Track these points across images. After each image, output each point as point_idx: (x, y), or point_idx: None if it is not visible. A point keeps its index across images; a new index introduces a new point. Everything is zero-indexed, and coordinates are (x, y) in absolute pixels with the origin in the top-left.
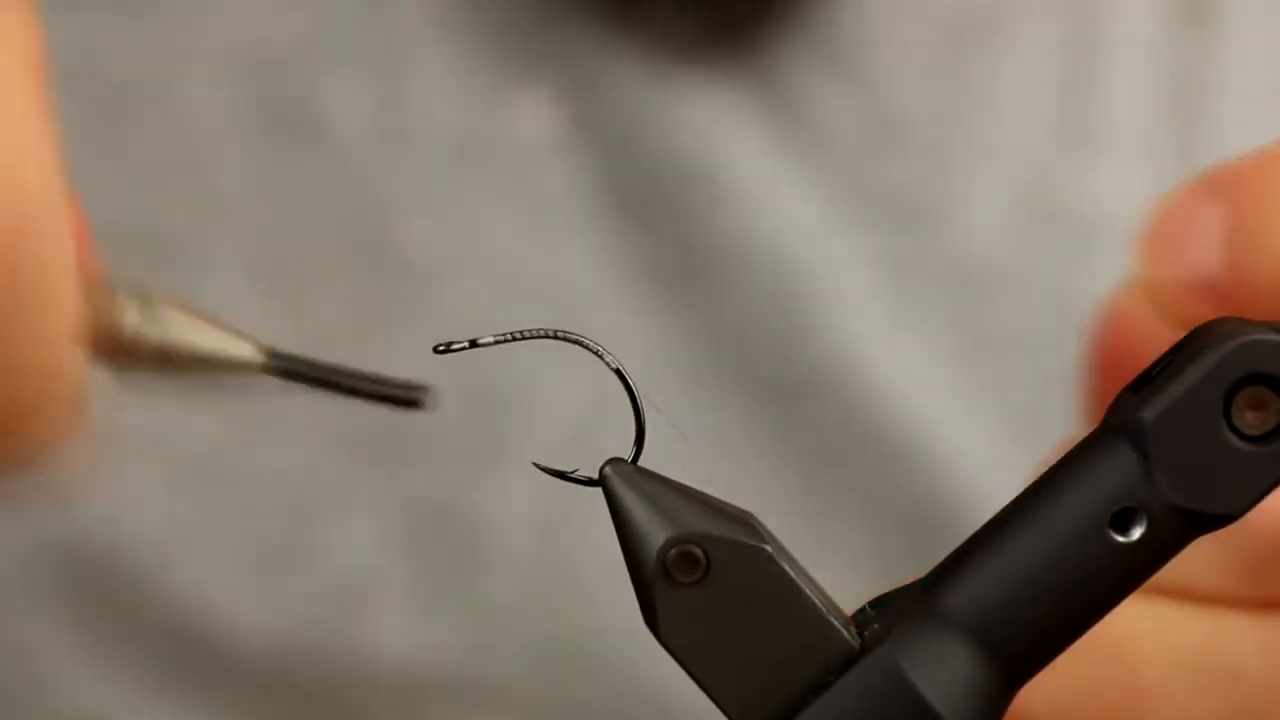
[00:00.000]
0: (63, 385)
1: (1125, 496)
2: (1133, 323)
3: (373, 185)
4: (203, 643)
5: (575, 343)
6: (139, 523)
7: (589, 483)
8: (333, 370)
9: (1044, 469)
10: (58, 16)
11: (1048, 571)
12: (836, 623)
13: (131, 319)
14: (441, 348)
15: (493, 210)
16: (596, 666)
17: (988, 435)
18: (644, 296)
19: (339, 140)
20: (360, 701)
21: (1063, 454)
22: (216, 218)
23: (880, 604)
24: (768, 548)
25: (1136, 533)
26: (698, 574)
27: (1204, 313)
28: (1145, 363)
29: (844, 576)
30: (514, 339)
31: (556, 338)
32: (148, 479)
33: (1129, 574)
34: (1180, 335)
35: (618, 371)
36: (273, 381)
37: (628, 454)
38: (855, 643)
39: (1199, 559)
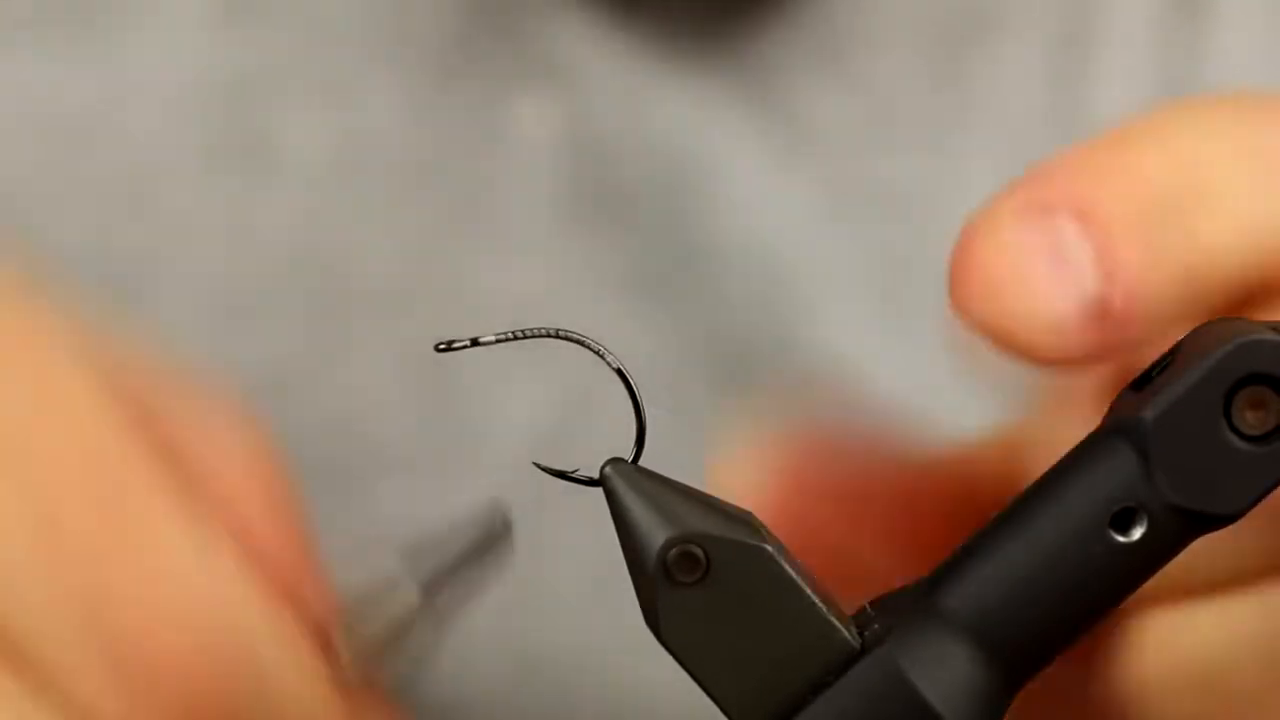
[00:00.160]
0: None
1: (1125, 496)
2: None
3: (328, 211)
4: None
5: (577, 342)
6: None
7: (589, 483)
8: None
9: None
10: (10, 51)
11: (1048, 571)
12: (837, 622)
13: (348, 654)
14: (443, 346)
15: (455, 229)
16: (579, 678)
17: (975, 424)
18: (630, 295)
19: (293, 168)
20: None
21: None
22: (172, 249)
23: (881, 604)
24: (768, 547)
25: (1137, 533)
26: (698, 574)
27: (1088, 348)
28: None
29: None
30: (515, 338)
31: (558, 337)
32: None
33: (1129, 574)
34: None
35: (619, 371)
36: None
37: (628, 454)
38: (855, 642)
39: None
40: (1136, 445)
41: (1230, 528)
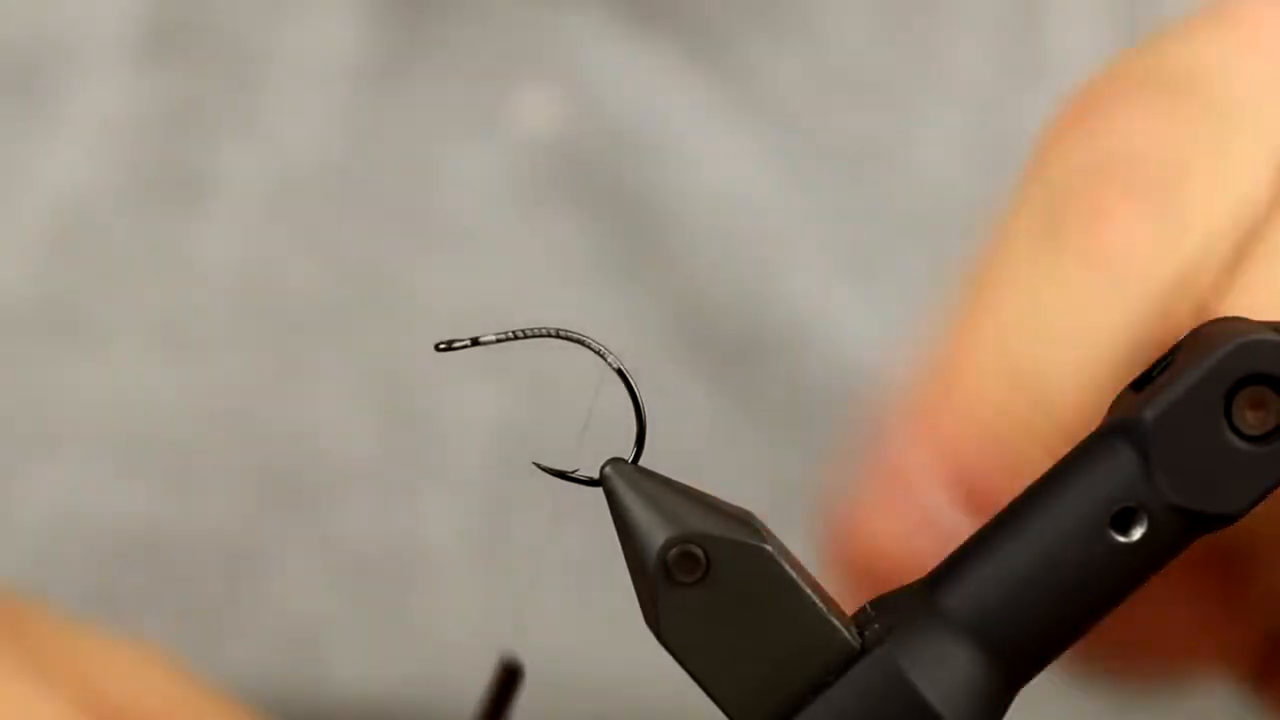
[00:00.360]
0: None
1: (1125, 496)
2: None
3: (268, 234)
4: None
5: (577, 341)
6: (56, 605)
7: (590, 483)
8: None
9: None
10: None
11: (1048, 571)
12: (837, 622)
13: None
14: (443, 346)
15: (402, 235)
16: (550, 678)
17: None
18: (595, 273)
19: (228, 196)
20: None
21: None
22: (113, 286)
23: (881, 603)
24: (768, 547)
25: (1137, 533)
26: (698, 574)
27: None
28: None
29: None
30: (515, 338)
31: (558, 336)
32: (80, 557)
33: (1129, 574)
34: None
35: (619, 371)
36: None
37: (628, 454)
38: (855, 642)
39: None
40: (1136, 445)
41: None
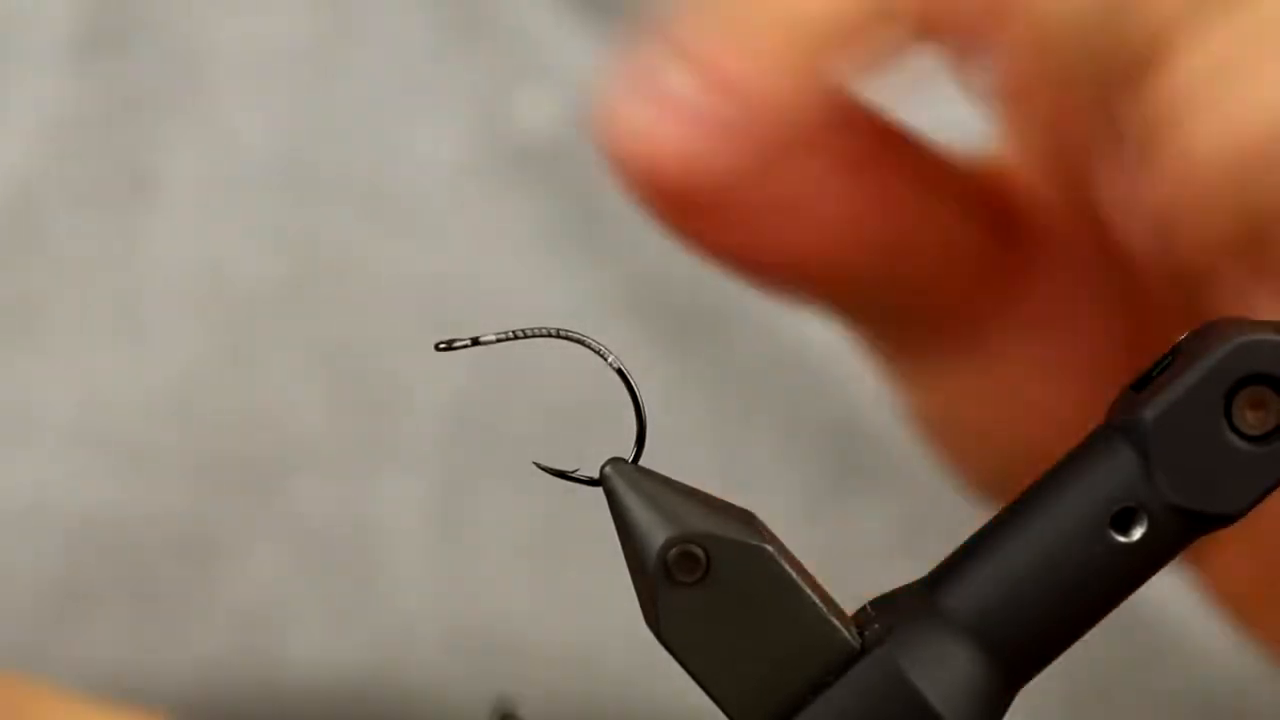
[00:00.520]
0: None
1: (1125, 496)
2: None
3: (213, 225)
4: (126, 698)
5: (577, 341)
6: (17, 595)
7: (589, 482)
8: None
9: None
10: None
11: (1048, 572)
12: (837, 622)
13: None
14: (443, 345)
15: (352, 221)
16: (512, 653)
17: None
18: (546, 242)
19: (174, 186)
20: None
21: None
22: (59, 284)
23: (881, 603)
24: (769, 547)
25: (1137, 533)
26: (698, 573)
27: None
28: None
29: (769, 501)
30: (515, 338)
31: (558, 336)
32: (37, 546)
33: (1129, 574)
34: None
35: (619, 371)
36: None
37: (628, 453)
38: (856, 642)
39: None
40: (1136, 445)
41: None
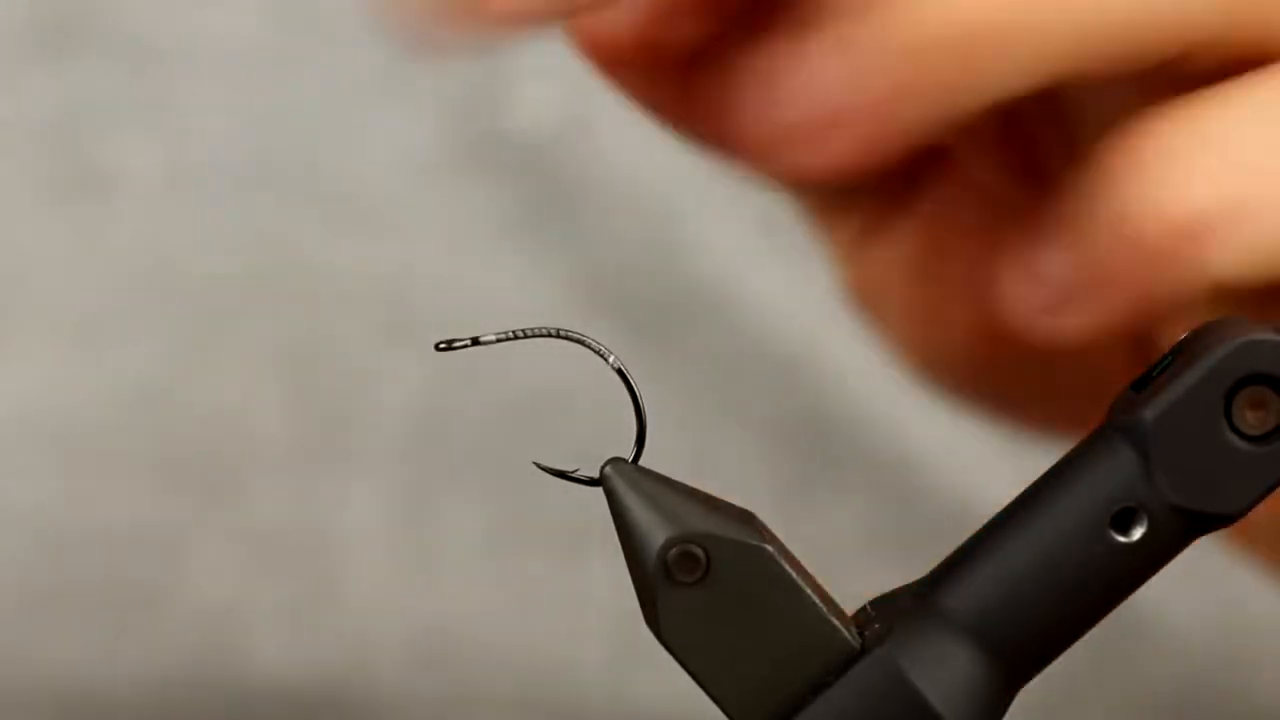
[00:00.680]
0: None
1: (1125, 496)
2: None
3: (172, 225)
4: (87, 702)
5: (578, 342)
6: None
7: (590, 482)
8: None
9: None
10: None
11: (1048, 571)
12: (837, 622)
13: None
14: (443, 345)
15: (310, 218)
16: (470, 648)
17: (870, 344)
18: (505, 235)
19: (130, 188)
20: None
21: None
22: (19, 283)
23: (881, 603)
24: (769, 547)
25: (1137, 533)
26: (698, 573)
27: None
28: None
29: (736, 496)
30: (515, 337)
31: (558, 336)
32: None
33: (1129, 574)
34: None
35: (619, 371)
36: None
37: (628, 453)
38: (856, 642)
39: None
40: (1136, 445)
41: None
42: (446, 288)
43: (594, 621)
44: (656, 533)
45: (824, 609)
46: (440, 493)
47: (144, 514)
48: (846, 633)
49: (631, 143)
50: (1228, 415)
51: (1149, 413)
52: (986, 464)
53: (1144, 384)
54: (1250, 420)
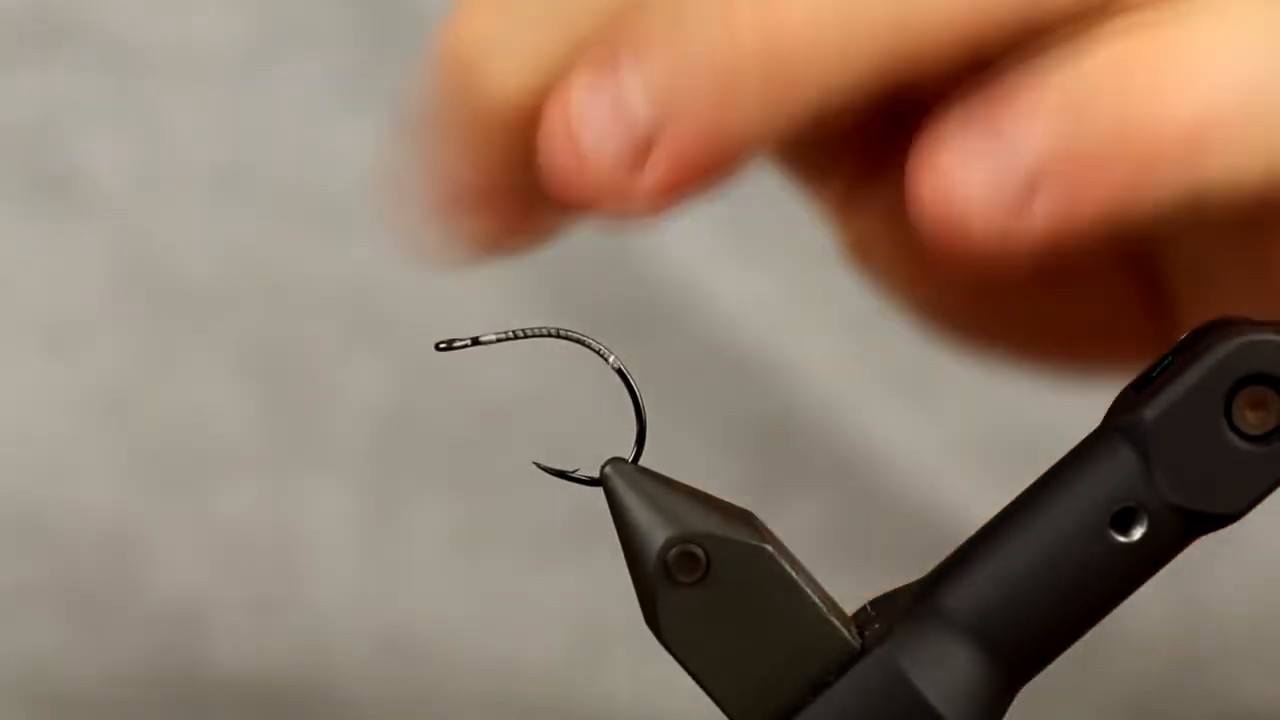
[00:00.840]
0: None
1: (1125, 496)
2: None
3: (143, 229)
4: (53, 698)
5: (578, 342)
6: None
7: (590, 482)
8: None
9: None
10: None
11: (1048, 571)
12: (837, 622)
13: None
14: (443, 345)
15: (280, 222)
16: (436, 649)
17: (830, 345)
18: None
19: (100, 192)
20: None
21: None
22: None
23: (881, 603)
24: (769, 547)
25: (1137, 533)
26: (698, 573)
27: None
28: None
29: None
30: (515, 337)
31: (558, 336)
32: None
33: (1129, 574)
34: None
35: (619, 371)
36: None
37: (628, 453)
38: (856, 642)
39: None
40: (1136, 445)
41: None
42: (414, 290)
43: (559, 622)
44: (656, 533)
45: (824, 609)
46: (406, 493)
47: (111, 512)
48: (846, 633)
49: None
50: (1228, 415)
51: (1149, 413)
52: (950, 464)
53: (1144, 384)
54: (1250, 420)
